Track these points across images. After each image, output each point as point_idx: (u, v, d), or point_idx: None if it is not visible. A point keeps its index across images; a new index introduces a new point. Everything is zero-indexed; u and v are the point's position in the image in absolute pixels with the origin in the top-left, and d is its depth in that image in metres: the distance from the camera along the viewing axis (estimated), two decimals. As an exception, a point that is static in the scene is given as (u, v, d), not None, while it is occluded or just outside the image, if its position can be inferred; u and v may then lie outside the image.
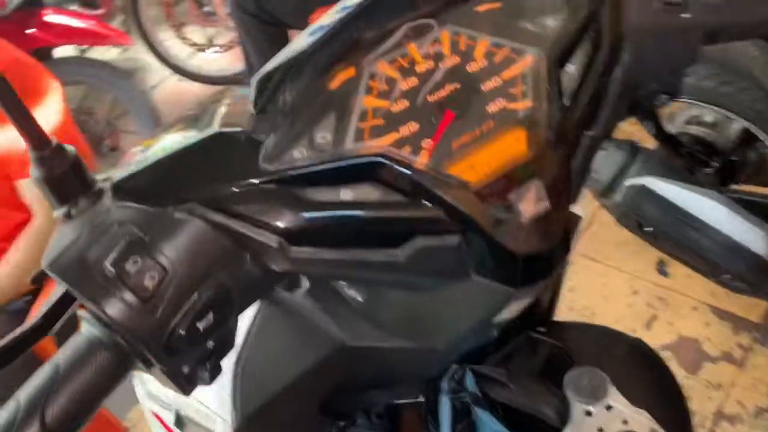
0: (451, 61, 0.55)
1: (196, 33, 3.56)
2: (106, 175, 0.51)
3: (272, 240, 0.49)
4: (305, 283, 0.56)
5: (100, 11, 3.80)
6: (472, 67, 0.55)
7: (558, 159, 0.52)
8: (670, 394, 0.74)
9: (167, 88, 3.60)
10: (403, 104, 0.53)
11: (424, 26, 0.56)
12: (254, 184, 0.50)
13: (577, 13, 0.57)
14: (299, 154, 0.50)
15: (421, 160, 0.50)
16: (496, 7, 0.58)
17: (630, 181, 1.30)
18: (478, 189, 0.50)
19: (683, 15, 0.59)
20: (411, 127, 0.51)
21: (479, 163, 0.51)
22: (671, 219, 1.27)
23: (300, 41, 0.54)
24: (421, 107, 0.52)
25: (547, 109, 0.53)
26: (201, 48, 3.54)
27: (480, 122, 0.52)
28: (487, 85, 0.54)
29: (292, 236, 0.50)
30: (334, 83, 0.53)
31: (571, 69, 0.56)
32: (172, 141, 0.53)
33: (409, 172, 0.49)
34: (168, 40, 3.51)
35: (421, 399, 0.68)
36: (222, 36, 3.49)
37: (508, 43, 0.56)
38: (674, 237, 1.29)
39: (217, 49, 3.54)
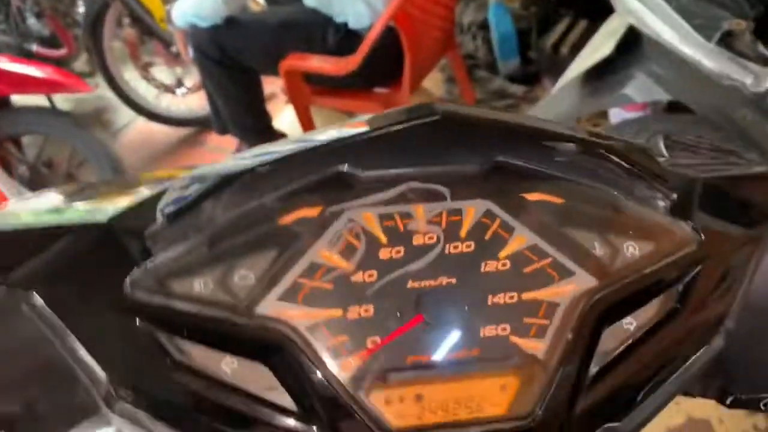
0: (462, 247, 0.43)
1: (163, 73, 3.39)
2: None
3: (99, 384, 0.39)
4: None
5: (62, 51, 3.63)
6: (487, 267, 0.43)
7: None
8: None
9: (137, 128, 3.43)
10: (371, 276, 0.41)
11: (434, 192, 0.44)
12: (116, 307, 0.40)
13: (672, 251, 0.46)
14: (199, 287, 0.40)
15: (347, 364, 0.40)
16: (556, 201, 0.45)
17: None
18: None
19: None
20: (364, 311, 0.41)
21: (425, 402, 0.42)
22: None
23: (257, 153, 0.44)
24: (391, 291, 0.42)
25: (561, 368, 0.43)
26: (169, 89, 3.37)
27: (460, 343, 0.42)
28: (496, 298, 0.42)
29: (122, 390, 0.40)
30: (288, 218, 0.42)
31: (628, 325, 0.45)
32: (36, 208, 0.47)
33: (315, 374, 0.40)
34: (134, 80, 3.34)
35: None
36: (191, 76, 3.32)
37: (554, 254, 0.44)
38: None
39: (186, 90, 3.36)
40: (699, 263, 0.47)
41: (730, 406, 0.49)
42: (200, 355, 0.40)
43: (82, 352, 0.40)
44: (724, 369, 0.48)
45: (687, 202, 0.48)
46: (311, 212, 0.43)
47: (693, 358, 0.46)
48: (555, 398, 0.41)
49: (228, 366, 0.40)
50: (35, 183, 2.57)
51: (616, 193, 0.46)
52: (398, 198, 0.44)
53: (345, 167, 0.43)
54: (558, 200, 0.46)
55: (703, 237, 0.47)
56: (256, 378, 0.40)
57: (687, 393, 0.49)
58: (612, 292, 0.44)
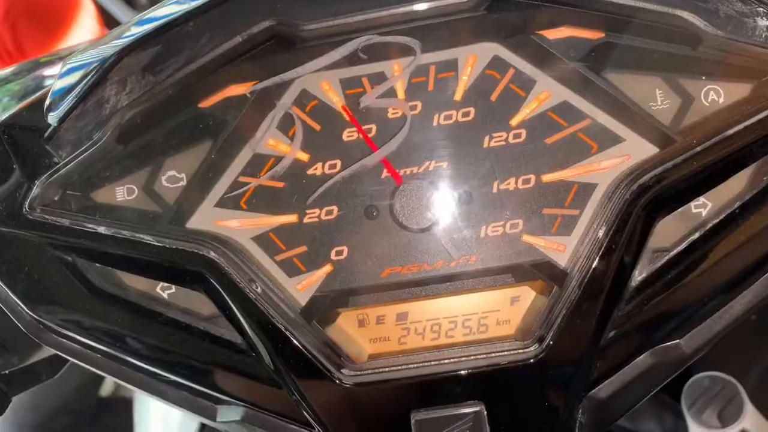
0: (458, 115, 0.33)
1: None
2: None
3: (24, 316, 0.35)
4: None
5: None
6: (492, 141, 0.33)
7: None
8: None
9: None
10: (333, 167, 0.33)
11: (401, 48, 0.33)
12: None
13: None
14: (123, 195, 0.33)
15: (305, 283, 0.33)
16: (593, 37, 0.33)
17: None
18: (359, 380, 0.32)
19: None
20: (325, 213, 0.33)
21: (409, 323, 0.33)
22: None
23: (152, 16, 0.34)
24: (361, 184, 0.33)
25: (601, 273, 0.31)
26: None
27: (455, 247, 0.33)
28: (505, 183, 0.33)
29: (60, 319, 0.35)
30: (211, 99, 0.33)
31: (699, 209, 0.33)
32: None
33: (263, 306, 0.32)
34: None
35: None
36: None
37: (593, 113, 0.32)
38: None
39: None
40: None
41: None
42: (130, 281, 0.34)
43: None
44: None
45: None
46: (241, 89, 0.33)
47: None
48: (579, 316, 0.31)
49: (164, 291, 0.34)
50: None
51: (688, 14, 0.31)
52: (358, 57, 0.32)
53: (274, 22, 0.32)
54: (596, 34, 0.32)
55: None
56: (196, 304, 0.33)
57: None
58: (680, 163, 0.31)
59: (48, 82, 0.44)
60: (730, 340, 0.50)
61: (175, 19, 0.32)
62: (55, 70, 0.45)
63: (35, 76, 0.46)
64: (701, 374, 0.45)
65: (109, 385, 1.20)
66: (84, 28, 1.32)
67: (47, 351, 0.40)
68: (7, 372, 0.40)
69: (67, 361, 0.40)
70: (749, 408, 0.43)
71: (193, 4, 0.32)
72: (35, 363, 0.42)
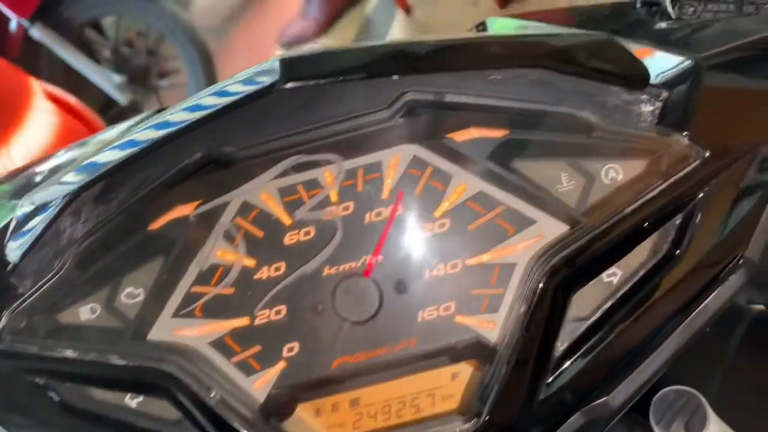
0: (387, 212, 0.36)
1: None
2: None
3: None
4: None
5: None
6: (424, 229, 0.36)
7: None
8: None
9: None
10: (278, 270, 0.35)
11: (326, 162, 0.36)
12: None
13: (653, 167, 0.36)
14: (87, 314, 0.36)
15: (262, 380, 0.35)
16: (497, 135, 0.37)
17: None
18: None
19: None
20: (275, 314, 0.35)
21: (362, 407, 0.35)
22: None
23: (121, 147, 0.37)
24: (305, 283, 0.35)
25: (525, 347, 0.35)
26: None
27: (395, 334, 0.35)
28: (435, 271, 0.36)
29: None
30: (159, 222, 0.36)
31: (610, 278, 0.36)
32: None
33: (221, 411, 0.34)
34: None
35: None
36: None
37: (506, 199, 0.36)
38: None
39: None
40: (703, 186, 0.35)
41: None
42: (100, 395, 0.36)
43: None
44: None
45: (683, 102, 0.36)
46: (186, 210, 0.36)
47: (701, 307, 0.36)
48: (509, 390, 0.34)
49: (132, 400, 0.36)
50: (120, 64, 2.58)
51: (578, 112, 0.35)
52: (291, 170, 0.35)
53: (209, 149, 0.35)
54: (499, 133, 0.36)
55: (707, 152, 0.35)
56: (164, 410, 0.36)
57: None
58: (588, 240, 0.35)
59: (38, 179, 0.47)
60: (690, 352, 0.54)
61: (117, 164, 0.35)
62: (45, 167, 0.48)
63: (28, 174, 0.48)
64: (666, 389, 0.46)
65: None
66: (37, 110, 1.33)
67: None
68: None
69: None
70: (712, 417, 0.45)
71: (131, 151, 0.35)
72: None
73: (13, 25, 2.38)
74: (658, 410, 0.45)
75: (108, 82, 2.40)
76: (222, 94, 0.35)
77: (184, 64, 2.55)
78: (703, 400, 0.45)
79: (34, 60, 2.47)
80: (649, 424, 0.46)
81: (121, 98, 2.43)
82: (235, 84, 0.36)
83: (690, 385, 0.47)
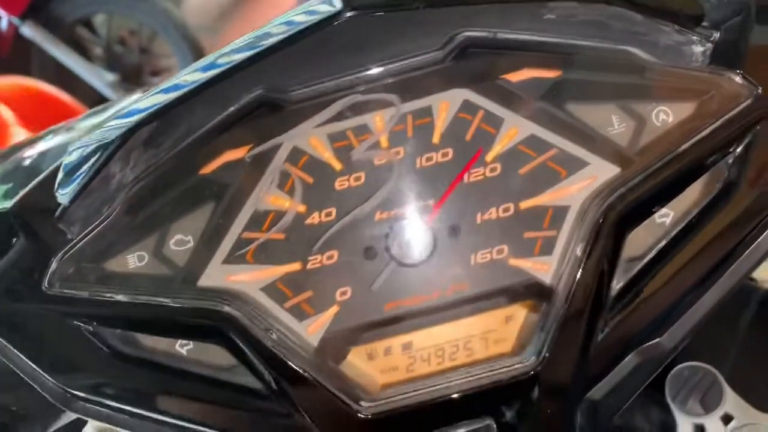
0: (438, 156, 0.36)
1: None
2: None
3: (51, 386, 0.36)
4: None
5: None
6: (472, 176, 0.36)
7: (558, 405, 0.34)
8: None
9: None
10: (329, 216, 0.35)
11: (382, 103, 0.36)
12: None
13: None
14: (134, 262, 0.35)
15: (315, 325, 0.35)
16: (550, 76, 0.37)
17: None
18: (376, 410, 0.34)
19: None
20: (327, 259, 0.35)
21: (415, 351, 0.35)
22: None
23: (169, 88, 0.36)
24: (356, 228, 0.35)
25: (584, 286, 0.34)
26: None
27: (448, 278, 0.35)
28: (486, 214, 0.35)
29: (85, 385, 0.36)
30: (210, 166, 0.36)
31: (662, 219, 0.36)
32: None
33: (280, 352, 0.34)
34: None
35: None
36: None
37: (559, 142, 0.36)
38: None
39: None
40: (756, 123, 0.36)
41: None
42: (150, 342, 0.36)
43: (24, 360, 0.36)
44: None
45: (735, 41, 0.36)
46: (237, 153, 0.35)
47: (752, 247, 0.36)
48: (568, 329, 0.34)
49: (182, 347, 0.36)
50: (112, 62, 2.57)
51: (631, 48, 0.35)
52: (343, 114, 0.35)
53: (262, 90, 0.35)
54: (553, 74, 0.36)
55: (759, 89, 0.35)
56: (215, 356, 0.35)
57: None
58: (641, 180, 0.35)
59: (27, 163, 0.46)
60: (704, 330, 0.54)
61: (170, 102, 0.35)
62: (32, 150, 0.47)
63: (15, 159, 0.47)
64: (681, 365, 0.47)
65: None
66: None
67: (69, 416, 0.41)
68: None
69: (86, 422, 0.42)
70: (728, 392, 0.45)
71: (186, 90, 0.35)
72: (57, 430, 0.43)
73: (3, 22, 2.37)
74: (674, 386, 0.46)
75: (100, 80, 2.39)
76: (289, 23, 0.35)
77: (176, 61, 2.54)
78: (719, 375, 0.46)
79: (26, 58, 2.46)
80: (665, 400, 0.46)
81: (114, 96, 2.42)
82: (300, 14, 0.36)
83: (705, 362, 0.47)
